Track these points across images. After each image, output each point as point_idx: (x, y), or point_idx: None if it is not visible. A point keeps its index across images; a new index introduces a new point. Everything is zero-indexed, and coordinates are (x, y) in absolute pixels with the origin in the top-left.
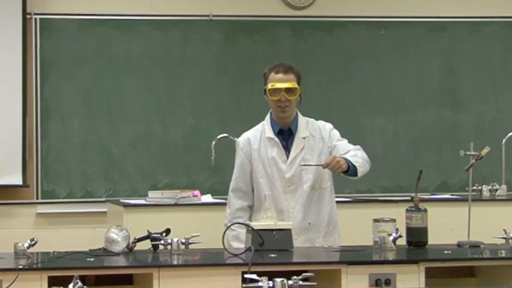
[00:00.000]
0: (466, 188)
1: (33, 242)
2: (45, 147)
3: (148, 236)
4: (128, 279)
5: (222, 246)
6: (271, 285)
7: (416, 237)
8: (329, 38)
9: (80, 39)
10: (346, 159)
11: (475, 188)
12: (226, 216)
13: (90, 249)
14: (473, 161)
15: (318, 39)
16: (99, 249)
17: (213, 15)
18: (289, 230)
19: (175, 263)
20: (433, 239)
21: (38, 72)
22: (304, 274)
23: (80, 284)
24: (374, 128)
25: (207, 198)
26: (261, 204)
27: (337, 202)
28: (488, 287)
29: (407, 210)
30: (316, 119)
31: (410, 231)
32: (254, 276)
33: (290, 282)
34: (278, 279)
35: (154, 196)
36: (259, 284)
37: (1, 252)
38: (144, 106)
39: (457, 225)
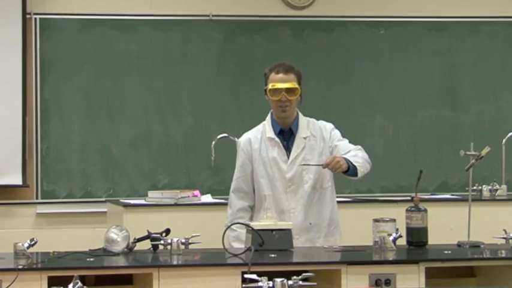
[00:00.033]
0: (466, 188)
1: (33, 242)
2: (45, 147)
3: (148, 236)
4: (128, 279)
5: (222, 246)
6: (271, 285)
7: (417, 237)
8: (329, 38)
9: (80, 39)
10: (346, 159)
11: (475, 188)
12: (227, 217)
13: (90, 249)
14: (474, 161)
15: (318, 39)
16: (99, 249)
17: (213, 15)
18: (289, 230)
19: (175, 263)
20: (433, 239)
21: (38, 72)
22: (304, 274)
23: (79, 284)
24: (374, 128)
25: (207, 198)
26: (261, 205)
27: (338, 202)
28: (489, 287)
29: (407, 210)
30: (317, 119)
31: (410, 231)
32: (254, 276)
33: (290, 282)
34: (278, 279)
35: (154, 196)
36: (259, 284)
37: (1, 252)
38: (144, 106)
39: (457, 225)
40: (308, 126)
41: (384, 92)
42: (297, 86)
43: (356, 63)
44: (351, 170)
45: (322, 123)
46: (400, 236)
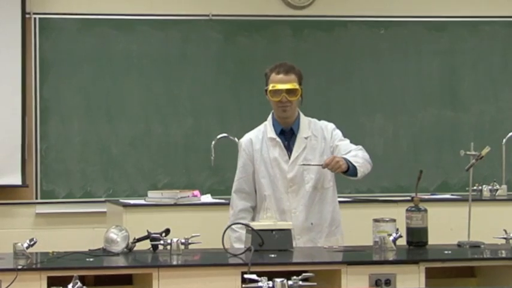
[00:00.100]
0: (466, 188)
1: (32, 242)
2: (45, 147)
3: (148, 236)
4: (128, 279)
5: (222, 247)
6: (271, 285)
7: (417, 237)
8: (329, 37)
9: (80, 39)
10: (346, 160)
11: (475, 188)
12: (229, 217)
13: (89, 250)
14: (474, 161)
15: (317, 39)
16: (99, 249)
17: (213, 15)
18: (289, 230)
19: (174, 263)
20: (433, 239)
21: (38, 72)
22: (304, 274)
23: (79, 284)
24: (374, 128)
25: (207, 198)
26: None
27: (338, 202)
28: (489, 287)
29: (407, 210)
30: (319, 119)
31: (410, 231)
32: (254, 277)
33: (290, 282)
34: (278, 280)
35: (153, 196)
36: (259, 284)
37: (0, 252)
38: (144, 106)
39: (457, 225)
40: (309, 126)
41: (384, 92)
42: (297, 87)
43: (356, 63)
44: (350, 170)
45: (323, 123)
46: (400, 236)
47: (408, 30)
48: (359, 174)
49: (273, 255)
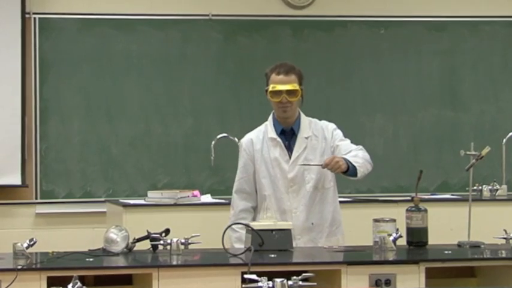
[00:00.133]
0: (467, 188)
1: (32, 242)
2: (44, 147)
3: (148, 236)
4: (127, 279)
5: (222, 247)
6: (271, 285)
7: (417, 238)
8: (329, 37)
9: (79, 39)
10: (345, 160)
11: (475, 188)
12: (230, 218)
13: (89, 250)
14: (474, 161)
15: (317, 39)
16: (99, 249)
17: (213, 15)
18: (289, 230)
19: (174, 263)
20: (433, 239)
21: (37, 72)
22: (304, 274)
23: (79, 284)
24: (374, 128)
25: (207, 198)
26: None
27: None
28: (489, 287)
29: (407, 210)
30: (319, 119)
31: (410, 231)
32: (254, 277)
33: (290, 282)
34: (278, 280)
35: (153, 196)
36: (259, 284)
37: (0, 252)
38: (144, 106)
39: (458, 225)
40: (310, 126)
41: (384, 92)
42: (297, 87)
43: (356, 63)
44: (350, 170)
45: (324, 123)
46: (400, 236)
47: (408, 30)
48: (359, 175)
49: (273, 255)
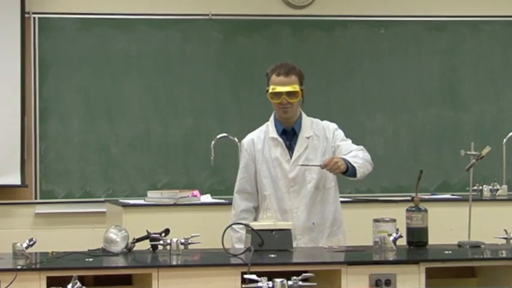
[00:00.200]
0: (467, 188)
1: (31, 242)
2: (44, 147)
3: (148, 236)
4: (127, 279)
5: (221, 247)
6: (270, 285)
7: (417, 238)
8: (329, 37)
9: (79, 39)
10: (345, 160)
11: (475, 188)
12: (231, 218)
13: (89, 250)
14: (474, 160)
15: (317, 39)
16: (98, 249)
17: (213, 15)
18: (289, 230)
19: (174, 263)
20: (433, 239)
21: (37, 71)
22: (304, 274)
23: (78, 284)
24: (374, 127)
25: (207, 198)
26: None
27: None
28: (489, 287)
29: (407, 210)
30: (321, 119)
31: (410, 231)
32: (254, 277)
33: (290, 282)
34: (278, 280)
35: (153, 196)
36: (259, 284)
37: None
38: (143, 106)
39: (458, 226)
40: (311, 126)
41: (384, 92)
42: (297, 89)
43: (356, 62)
44: (349, 170)
45: (325, 123)
46: (401, 236)
47: (408, 29)
48: (358, 175)
49: (272, 256)
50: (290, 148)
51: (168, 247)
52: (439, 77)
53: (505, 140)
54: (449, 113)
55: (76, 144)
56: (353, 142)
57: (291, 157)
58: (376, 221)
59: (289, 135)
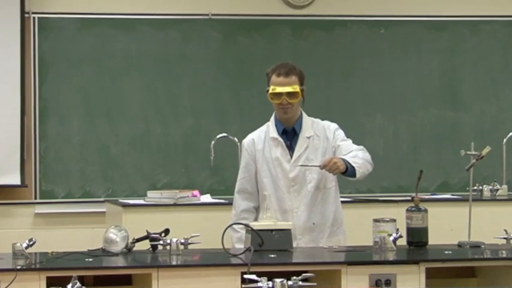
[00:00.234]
0: (467, 188)
1: (31, 242)
2: (44, 147)
3: (147, 236)
4: (127, 279)
5: (221, 247)
6: (270, 285)
7: (417, 238)
8: (329, 37)
9: (79, 39)
10: (344, 160)
11: (475, 188)
12: (231, 218)
13: (88, 250)
14: (474, 160)
15: (317, 39)
16: (98, 249)
17: (212, 14)
18: (289, 230)
19: (174, 263)
20: (433, 239)
21: (37, 71)
22: (304, 274)
23: (78, 284)
24: (374, 127)
25: (206, 198)
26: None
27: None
28: (489, 287)
29: (407, 210)
30: (322, 119)
31: (410, 231)
32: (253, 277)
33: (290, 282)
34: (278, 280)
35: (153, 196)
36: (259, 284)
37: None
38: (143, 106)
39: (458, 226)
40: (312, 126)
41: (384, 92)
42: (297, 89)
43: (356, 62)
44: (349, 170)
45: (326, 123)
46: (401, 236)
47: (408, 29)
48: (358, 175)
49: (272, 256)
50: (290, 148)
51: (168, 247)
52: (439, 77)
53: (505, 140)
54: (449, 113)
55: (76, 144)
56: (353, 142)
57: (291, 157)
58: (376, 221)
59: (289, 135)
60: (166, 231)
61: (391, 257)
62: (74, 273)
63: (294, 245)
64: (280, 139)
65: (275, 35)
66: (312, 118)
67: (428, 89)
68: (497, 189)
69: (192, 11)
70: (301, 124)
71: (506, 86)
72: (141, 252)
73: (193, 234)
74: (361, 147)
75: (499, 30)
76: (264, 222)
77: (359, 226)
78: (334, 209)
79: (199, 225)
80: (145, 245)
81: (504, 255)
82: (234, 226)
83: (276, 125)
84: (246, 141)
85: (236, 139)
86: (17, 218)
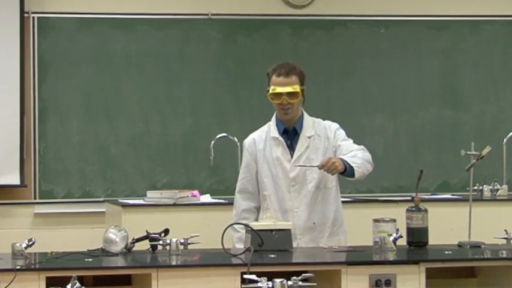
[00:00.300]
0: (467, 188)
1: (31, 243)
2: (43, 146)
3: (147, 236)
4: (127, 279)
5: (221, 247)
6: (270, 285)
7: (417, 238)
8: (329, 36)
9: (78, 38)
10: (343, 160)
11: (475, 188)
12: (232, 218)
13: (88, 250)
14: (474, 160)
15: (317, 38)
16: (98, 249)
17: (212, 14)
18: (289, 230)
19: (174, 263)
20: (433, 239)
21: (36, 71)
22: (303, 275)
23: (78, 284)
24: (374, 127)
25: (206, 198)
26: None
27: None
28: (489, 287)
29: (407, 210)
30: (322, 119)
31: (410, 231)
32: (253, 277)
33: (290, 282)
34: (277, 280)
35: (152, 196)
36: (259, 284)
37: None
38: (143, 105)
39: (458, 226)
40: (313, 126)
41: (384, 92)
42: (298, 89)
43: (356, 62)
44: (348, 171)
45: (327, 122)
46: (401, 236)
47: (408, 29)
48: (357, 175)
49: (272, 256)
50: (291, 148)
51: (167, 247)
52: (439, 77)
53: (505, 140)
54: (450, 113)
55: (75, 144)
56: (353, 142)
57: (291, 157)
58: (376, 221)
59: (290, 134)
60: (166, 231)
61: (391, 257)
62: (74, 274)
63: (295, 244)
64: (281, 139)
65: (275, 34)
66: (314, 118)
67: (428, 89)
68: (498, 189)
69: (191, 11)
70: (302, 124)
71: (506, 86)
72: (141, 252)
73: (193, 234)
74: (362, 147)
75: (499, 30)
76: (263, 222)
77: (359, 226)
78: (334, 209)
79: (199, 225)
80: (145, 245)
81: (504, 256)
82: (235, 226)
83: (277, 125)
84: (247, 141)
85: (236, 139)
86: (17, 218)
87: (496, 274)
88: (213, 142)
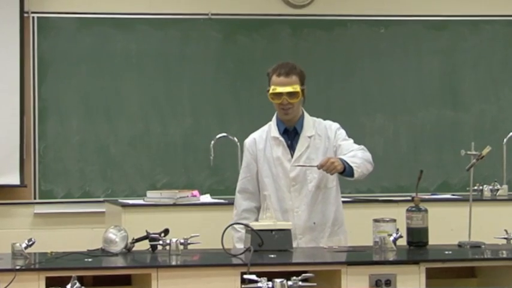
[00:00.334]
0: (467, 188)
1: (30, 243)
2: (43, 146)
3: (147, 236)
4: (126, 279)
5: (221, 247)
6: (270, 285)
7: (417, 238)
8: (329, 36)
9: (78, 38)
10: (342, 160)
11: (476, 188)
12: (232, 217)
13: (88, 250)
14: (474, 160)
15: (317, 38)
16: (97, 249)
17: (212, 14)
18: (289, 230)
19: (174, 263)
20: (433, 240)
21: (36, 71)
22: (303, 275)
23: (77, 284)
24: (374, 127)
25: (206, 198)
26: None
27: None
28: (489, 287)
29: (407, 210)
30: (323, 119)
31: (410, 231)
32: (253, 277)
33: (290, 282)
34: (277, 280)
35: (152, 196)
36: (259, 284)
37: None
38: (143, 105)
39: (458, 226)
40: (313, 126)
41: (384, 92)
42: (298, 89)
43: (356, 62)
44: (347, 170)
45: (328, 122)
46: (401, 236)
47: (408, 29)
48: (356, 175)
49: (272, 256)
50: (292, 147)
51: (167, 247)
52: (439, 77)
53: (505, 140)
54: (450, 113)
55: (75, 144)
56: (353, 142)
57: (292, 156)
58: (376, 221)
59: (291, 134)
60: (166, 231)
61: (391, 257)
62: (74, 274)
63: (295, 244)
64: (281, 138)
65: (275, 34)
66: (314, 118)
67: (429, 88)
68: (498, 189)
69: (191, 11)
70: (302, 123)
71: (506, 86)
72: (141, 253)
73: (192, 234)
74: (362, 146)
75: (499, 30)
76: (263, 222)
77: (359, 226)
78: (334, 209)
79: (199, 225)
80: (145, 245)
81: (504, 255)
82: (235, 226)
83: (278, 125)
84: (247, 140)
85: (236, 139)
86: (17, 218)
87: (496, 274)
88: (213, 142)
